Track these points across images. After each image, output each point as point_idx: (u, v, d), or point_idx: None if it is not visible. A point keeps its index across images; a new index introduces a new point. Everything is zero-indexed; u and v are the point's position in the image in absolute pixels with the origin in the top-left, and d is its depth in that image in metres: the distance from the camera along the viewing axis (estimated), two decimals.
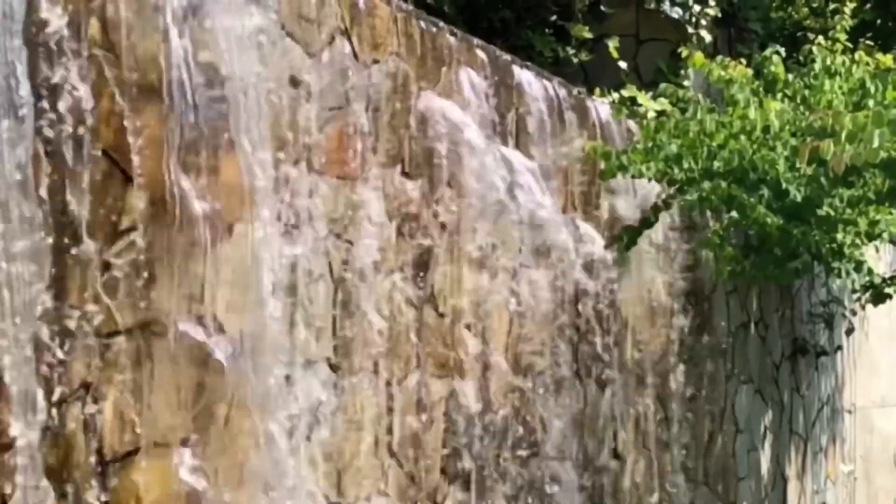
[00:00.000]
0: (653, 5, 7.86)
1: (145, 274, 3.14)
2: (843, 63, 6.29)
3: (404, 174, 4.44)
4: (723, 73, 6.15)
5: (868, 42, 9.06)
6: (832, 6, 9.50)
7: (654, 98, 6.93)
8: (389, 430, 4.33)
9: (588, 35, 7.24)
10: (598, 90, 6.46)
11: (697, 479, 7.04)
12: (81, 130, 2.94)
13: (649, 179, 5.66)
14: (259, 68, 3.50)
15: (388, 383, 4.32)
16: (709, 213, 6.60)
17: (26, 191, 2.73)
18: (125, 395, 3.07)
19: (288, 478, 3.54)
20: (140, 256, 3.12)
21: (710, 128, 5.68)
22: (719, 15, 8.29)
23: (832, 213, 5.81)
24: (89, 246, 2.97)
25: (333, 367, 4.00)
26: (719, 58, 6.45)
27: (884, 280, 7.17)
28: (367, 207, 4.16)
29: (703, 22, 8.08)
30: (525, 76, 5.29)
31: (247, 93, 3.43)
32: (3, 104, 2.64)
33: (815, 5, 9.56)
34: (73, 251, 2.93)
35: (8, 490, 2.71)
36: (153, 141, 3.16)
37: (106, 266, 3.04)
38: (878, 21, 10.60)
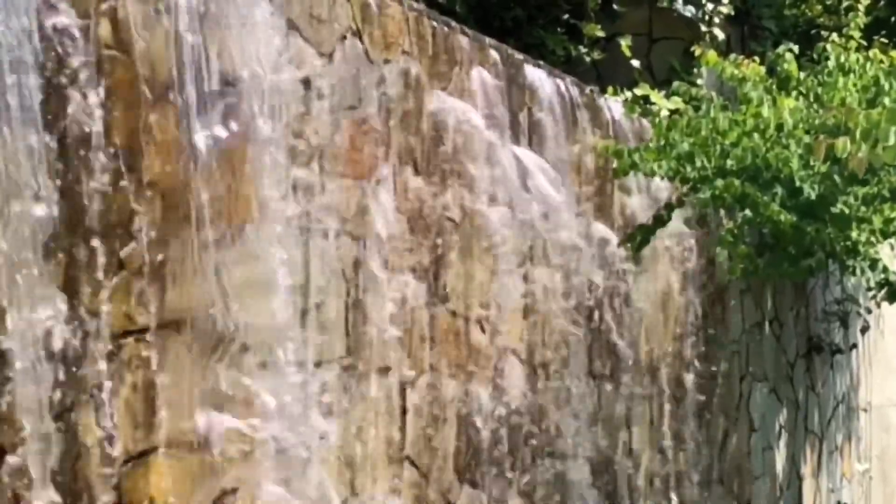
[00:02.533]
0: (665, 3, 7.85)
1: (157, 274, 3.15)
2: (857, 60, 6.27)
3: (416, 173, 4.44)
4: (736, 71, 6.14)
5: (882, 39, 9.03)
6: (846, 3, 9.47)
7: (668, 96, 6.93)
8: (403, 430, 4.33)
9: (600, 34, 7.23)
10: (610, 89, 6.45)
11: (712, 477, 7.02)
12: (93, 131, 2.94)
13: (662, 178, 5.65)
14: (271, 68, 3.50)
15: (402, 383, 4.32)
16: (722, 212, 6.60)
17: (37, 191, 2.73)
18: (138, 394, 3.08)
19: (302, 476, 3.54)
20: (152, 257, 3.12)
21: (723, 126, 5.67)
22: (732, 13, 8.27)
23: (846, 210, 5.79)
24: (102, 246, 2.97)
25: (346, 368, 4.00)
26: (732, 56, 6.44)
27: None
28: (379, 207, 4.16)
29: (717, 20, 8.07)
30: (537, 75, 5.29)
31: (259, 93, 3.43)
32: (13, 105, 2.64)
33: (828, 3, 9.53)
34: (86, 252, 2.93)
35: (20, 489, 2.71)
36: (165, 140, 3.17)
37: (119, 266, 3.04)
38: (893, 18, 10.57)
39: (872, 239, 6.12)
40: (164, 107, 3.16)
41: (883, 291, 6.93)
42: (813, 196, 5.67)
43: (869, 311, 9.37)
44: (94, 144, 2.93)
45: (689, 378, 6.68)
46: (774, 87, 6.23)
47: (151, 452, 3.12)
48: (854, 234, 5.97)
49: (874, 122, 4.67)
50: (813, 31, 9.30)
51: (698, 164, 5.58)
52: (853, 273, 6.63)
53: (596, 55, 7.26)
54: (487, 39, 5.03)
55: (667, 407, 6.44)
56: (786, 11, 9.33)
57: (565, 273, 5.36)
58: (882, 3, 10.48)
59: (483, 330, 4.83)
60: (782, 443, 8.17)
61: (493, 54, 4.98)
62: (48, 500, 2.71)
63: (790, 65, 6.40)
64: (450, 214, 4.63)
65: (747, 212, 5.77)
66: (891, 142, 4.59)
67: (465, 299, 4.72)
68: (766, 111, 5.70)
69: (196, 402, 3.27)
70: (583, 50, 7.18)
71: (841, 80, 6.03)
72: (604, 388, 5.82)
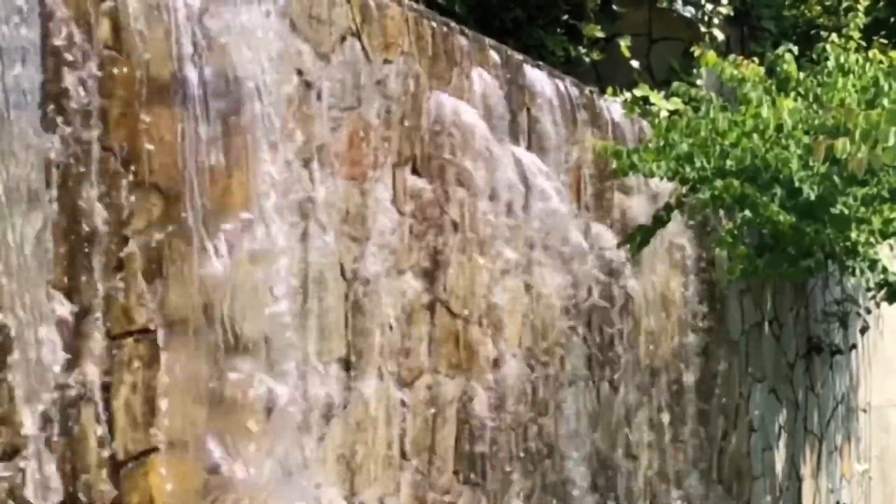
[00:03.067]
0: (665, 4, 7.86)
1: (157, 275, 3.15)
2: (857, 61, 6.28)
3: (416, 174, 4.44)
4: (735, 71, 6.15)
5: (882, 40, 9.04)
6: (845, 4, 9.48)
7: (667, 97, 6.93)
8: (402, 431, 4.33)
9: (600, 34, 7.24)
10: (610, 89, 6.46)
11: (712, 478, 7.03)
12: (93, 131, 2.95)
13: (661, 178, 5.66)
14: (270, 68, 3.50)
15: (401, 383, 4.32)
16: (721, 212, 6.60)
17: (37, 192, 2.74)
18: (137, 395, 3.08)
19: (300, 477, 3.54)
20: (152, 257, 3.13)
21: (723, 126, 5.68)
22: (732, 13, 8.28)
23: (846, 211, 5.79)
24: (101, 247, 2.98)
25: (346, 368, 4.00)
26: (732, 56, 6.44)
27: None
28: (378, 207, 4.17)
29: (716, 20, 8.07)
30: (537, 76, 5.29)
31: (258, 93, 3.43)
32: (13, 106, 2.64)
33: (828, 3, 9.53)
34: (85, 252, 2.94)
35: (20, 490, 2.71)
36: (165, 141, 3.17)
37: (118, 267, 3.04)
38: (892, 19, 10.57)
39: (872, 239, 6.12)
40: (163, 107, 3.16)
41: (882, 292, 6.94)
42: (812, 197, 5.67)
43: (868, 312, 9.38)
44: (94, 145, 2.94)
45: (689, 378, 6.68)
46: (774, 87, 6.23)
47: (151, 453, 3.13)
48: (853, 235, 5.98)
49: (873, 123, 4.68)
50: (812, 32, 9.30)
51: (698, 164, 5.59)
52: (852, 274, 6.63)
53: (595, 56, 7.26)
54: (487, 40, 5.03)
55: (666, 407, 6.45)
56: (785, 12, 9.33)
57: (564, 273, 5.36)
58: (882, 3, 10.49)
59: (482, 330, 4.84)
60: (782, 443, 8.17)
61: (493, 55, 4.98)
62: (47, 501, 2.71)
63: (790, 65, 6.40)
64: (449, 215, 4.64)
65: (747, 212, 5.78)
66: (890, 142, 4.59)
67: (464, 299, 4.73)
68: (765, 112, 5.71)
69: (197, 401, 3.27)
70: (582, 50, 7.18)
71: (840, 80, 6.03)
72: (603, 389, 5.82)
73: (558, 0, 7.11)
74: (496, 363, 4.91)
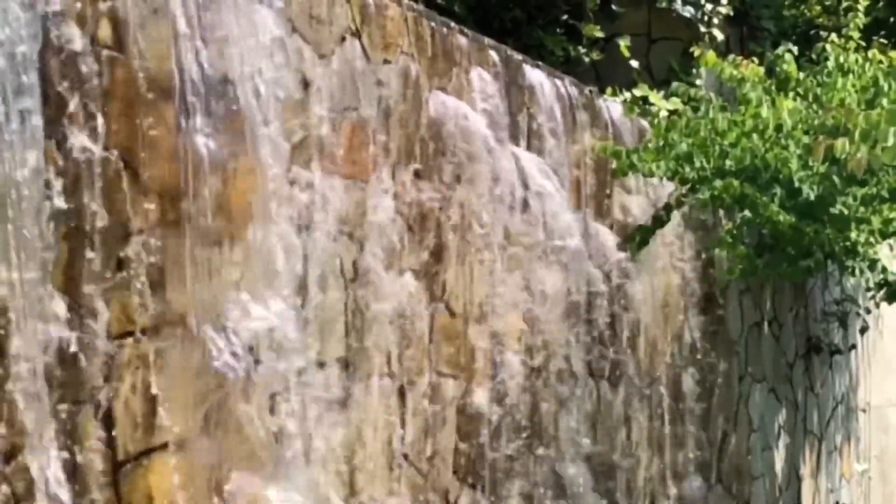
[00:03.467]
0: (664, 4, 7.85)
1: (157, 275, 3.15)
2: (856, 61, 6.27)
3: (416, 174, 4.44)
4: (735, 71, 6.14)
5: (881, 40, 9.03)
6: (845, 4, 9.47)
7: (667, 97, 6.92)
8: (402, 431, 4.33)
9: (599, 34, 7.23)
10: (609, 89, 6.46)
11: (711, 477, 7.03)
12: (93, 131, 2.95)
13: (661, 178, 5.66)
14: (270, 68, 3.50)
15: (401, 383, 4.32)
16: (721, 212, 6.60)
17: (38, 193, 2.74)
18: (137, 395, 3.08)
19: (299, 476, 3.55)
20: (152, 257, 3.13)
21: (722, 126, 5.68)
22: (731, 13, 8.27)
23: (845, 211, 5.79)
24: (101, 247, 2.98)
25: (345, 368, 4.00)
26: (731, 56, 6.44)
27: None
28: (378, 207, 4.16)
29: (716, 20, 8.07)
30: (536, 76, 5.29)
31: (258, 93, 3.44)
32: (14, 107, 2.65)
33: (827, 3, 9.53)
34: (85, 252, 2.94)
35: (21, 491, 2.72)
36: (164, 141, 3.17)
37: (118, 267, 3.04)
38: (892, 19, 10.57)
39: (871, 239, 6.12)
40: (162, 107, 3.16)
41: (882, 292, 6.94)
42: (812, 197, 5.67)
43: (868, 312, 9.38)
44: (93, 144, 2.94)
45: (688, 378, 6.68)
46: (773, 87, 6.23)
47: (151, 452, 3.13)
48: (853, 235, 5.98)
49: (873, 123, 4.67)
50: (812, 32, 9.30)
51: (697, 164, 5.59)
52: (852, 273, 6.63)
53: (595, 56, 7.26)
54: (486, 40, 5.03)
55: (666, 407, 6.44)
56: (785, 12, 9.33)
57: (564, 273, 5.36)
58: (881, 3, 10.49)
59: (482, 330, 4.83)
60: (781, 443, 8.17)
61: (493, 55, 4.98)
62: (48, 501, 2.71)
63: (789, 65, 6.40)
64: (449, 215, 4.63)
65: (746, 212, 5.77)
66: (889, 142, 4.59)
67: (464, 299, 4.73)
68: (765, 112, 5.71)
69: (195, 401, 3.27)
70: (582, 50, 7.18)
71: (840, 80, 6.03)
72: (603, 388, 5.82)
73: (558, 0, 7.11)
74: (495, 362, 4.91)
